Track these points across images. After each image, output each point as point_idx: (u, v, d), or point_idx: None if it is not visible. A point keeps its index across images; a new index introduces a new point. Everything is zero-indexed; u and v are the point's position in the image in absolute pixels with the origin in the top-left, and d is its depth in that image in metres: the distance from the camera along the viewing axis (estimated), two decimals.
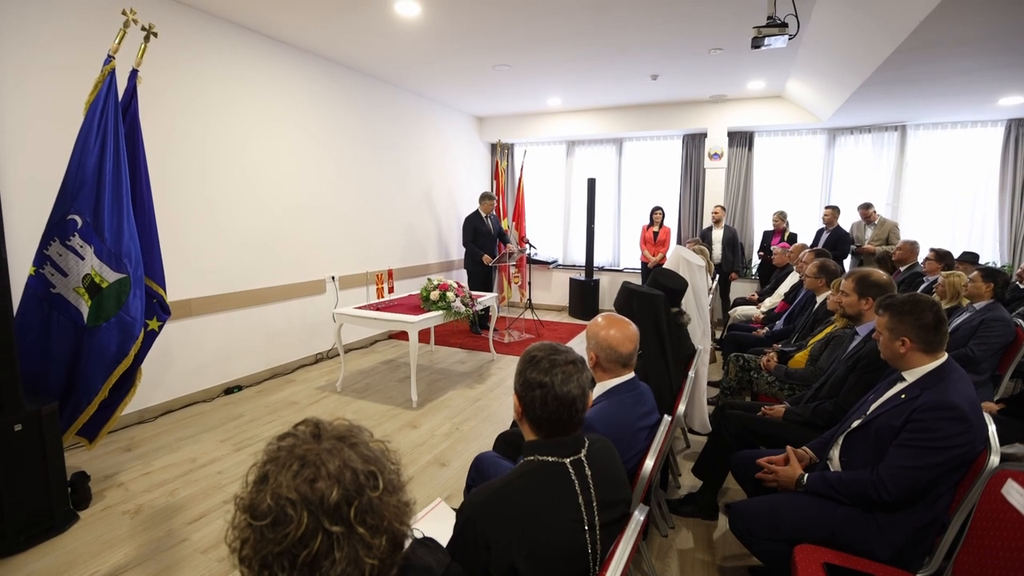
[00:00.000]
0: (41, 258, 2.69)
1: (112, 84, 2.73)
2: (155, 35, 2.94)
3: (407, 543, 0.87)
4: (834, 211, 6.45)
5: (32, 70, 3.26)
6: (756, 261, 7.50)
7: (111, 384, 2.88)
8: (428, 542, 1.00)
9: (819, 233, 6.61)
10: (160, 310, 3.10)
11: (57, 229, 2.67)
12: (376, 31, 4.66)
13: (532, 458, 1.37)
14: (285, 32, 4.78)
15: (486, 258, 6.61)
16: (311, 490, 0.76)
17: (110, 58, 2.73)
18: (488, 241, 6.81)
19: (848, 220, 6.74)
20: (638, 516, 1.44)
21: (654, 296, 2.69)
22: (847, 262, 6.59)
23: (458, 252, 8.06)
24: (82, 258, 2.69)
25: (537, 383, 1.36)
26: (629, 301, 2.76)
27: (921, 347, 1.90)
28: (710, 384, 4.32)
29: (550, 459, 1.35)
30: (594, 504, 1.35)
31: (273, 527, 0.74)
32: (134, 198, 2.88)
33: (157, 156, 3.93)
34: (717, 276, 6.69)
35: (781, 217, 6.92)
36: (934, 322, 1.88)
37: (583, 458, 1.38)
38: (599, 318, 2.08)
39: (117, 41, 2.76)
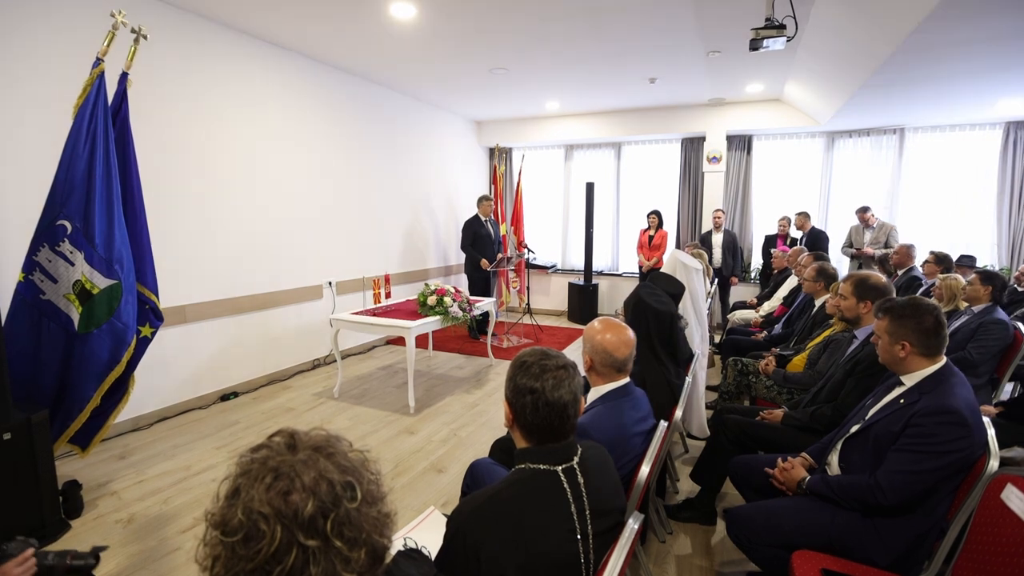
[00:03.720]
0: (30, 264, 2.66)
1: (101, 87, 2.70)
2: (145, 37, 2.92)
3: (389, 556, 0.85)
4: (804, 216, 6.69)
5: (23, 73, 3.24)
6: (757, 265, 7.49)
7: (103, 391, 2.85)
8: (413, 554, 0.98)
9: (800, 238, 6.71)
10: (153, 316, 3.07)
11: (46, 235, 2.65)
12: (373, 34, 4.65)
13: (523, 466, 1.35)
14: (281, 36, 4.77)
15: (484, 262, 6.59)
16: (285, 504, 0.73)
17: (99, 61, 2.71)
18: (487, 245, 6.80)
19: (846, 223, 6.73)
20: (632, 524, 1.41)
21: (648, 310, 2.65)
22: (842, 264, 6.59)
23: (457, 257, 8.05)
24: (72, 264, 2.67)
25: (528, 389, 1.34)
26: (627, 307, 2.75)
27: (921, 351, 1.88)
28: (708, 388, 4.29)
29: (541, 467, 1.33)
30: (587, 513, 1.32)
31: (245, 543, 0.72)
32: (125, 203, 2.86)
33: (153, 161, 3.93)
34: (716, 280, 6.68)
35: (789, 222, 6.92)
36: (934, 326, 1.86)
37: (575, 466, 1.36)
38: (596, 322, 2.07)
39: (106, 44, 2.74)
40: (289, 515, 0.73)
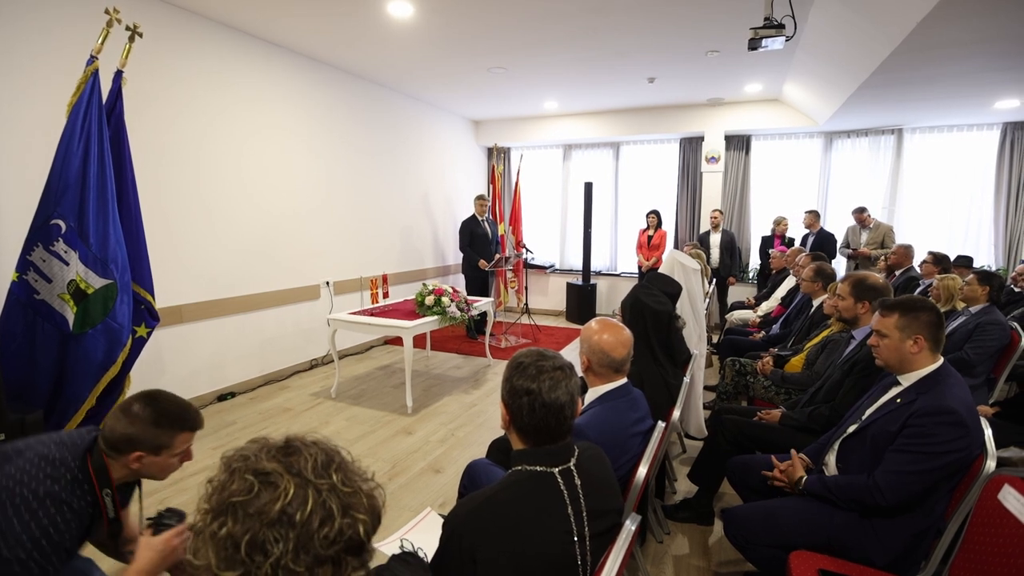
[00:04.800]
0: (24, 264, 2.64)
1: (95, 85, 2.69)
2: (140, 35, 2.90)
3: (384, 556, 0.85)
4: (813, 215, 6.56)
5: (16, 70, 3.22)
6: (755, 265, 7.49)
7: (99, 392, 2.83)
8: (408, 558, 0.98)
9: (804, 238, 6.66)
10: (148, 316, 3.05)
11: (40, 234, 2.62)
12: (371, 33, 4.64)
13: (520, 468, 1.34)
14: (280, 35, 4.76)
15: (482, 262, 6.59)
16: (290, 462, 0.76)
17: (93, 58, 2.69)
18: (484, 245, 6.79)
19: (844, 224, 6.73)
20: (629, 526, 1.41)
21: (646, 309, 2.64)
22: (839, 264, 6.60)
23: (455, 257, 8.04)
24: (67, 264, 2.65)
25: (524, 390, 1.33)
26: (624, 307, 2.75)
27: (932, 345, 1.87)
28: (706, 388, 4.29)
29: (538, 469, 1.32)
30: (584, 514, 1.32)
31: (260, 497, 0.72)
32: (120, 202, 2.84)
33: (151, 160, 3.92)
34: (714, 280, 6.67)
35: (787, 223, 6.90)
36: (939, 319, 1.88)
37: (572, 467, 1.35)
38: (593, 322, 2.06)
39: (100, 41, 2.72)
40: (297, 468, 0.75)
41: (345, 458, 0.83)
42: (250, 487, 0.73)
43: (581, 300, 8.12)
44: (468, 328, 6.95)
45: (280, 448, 0.78)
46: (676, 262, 3.57)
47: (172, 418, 1.46)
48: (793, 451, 2.19)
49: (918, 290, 4.76)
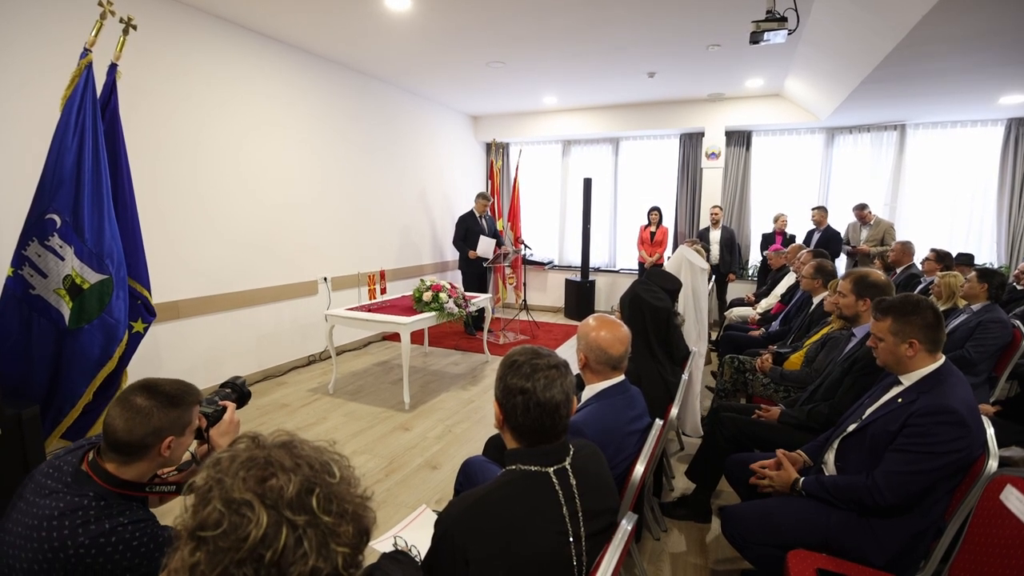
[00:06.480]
0: (19, 259, 2.62)
1: (89, 78, 2.65)
2: (134, 28, 2.87)
3: (373, 533, 0.83)
4: (822, 211, 6.51)
5: (8, 64, 3.19)
6: (755, 262, 7.45)
7: (95, 387, 2.82)
8: (399, 556, 0.96)
9: (810, 234, 6.62)
10: (145, 312, 3.04)
11: (35, 229, 2.60)
12: (368, 28, 4.61)
13: (514, 467, 1.32)
14: (277, 29, 4.73)
15: (472, 253, 6.55)
16: (265, 488, 0.71)
17: (86, 51, 2.66)
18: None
19: (846, 220, 6.71)
20: (625, 525, 1.39)
21: (645, 306, 2.63)
22: (840, 262, 6.56)
23: (452, 253, 8.00)
24: (62, 259, 2.62)
25: (518, 389, 1.31)
26: (623, 303, 2.73)
27: (928, 347, 1.85)
28: (708, 388, 4.27)
29: (532, 468, 1.30)
30: (579, 514, 1.30)
31: (227, 535, 0.68)
32: (115, 197, 2.81)
33: (147, 155, 3.90)
34: (714, 277, 6.65)
35: (786, 221, 6.87)
36: (935, 320, 1.85)
37: (567, 466, 1.33)
38: (590, 319, 2.04)
39: (93, 34, 2.69)
40: (273, 498, 0.71)
41: (332, 478, 0.77)
42: (218, 520, 0.69)
43: (580, 296, 8.10)
44: (466, 324, 6.91)
45: (260, 467, 0.74)
46: (685, 260, 3.55)
47: (181, 395, 1.43)
48: (780, 452, 2.16)
49: (919, 288, 4.74)
